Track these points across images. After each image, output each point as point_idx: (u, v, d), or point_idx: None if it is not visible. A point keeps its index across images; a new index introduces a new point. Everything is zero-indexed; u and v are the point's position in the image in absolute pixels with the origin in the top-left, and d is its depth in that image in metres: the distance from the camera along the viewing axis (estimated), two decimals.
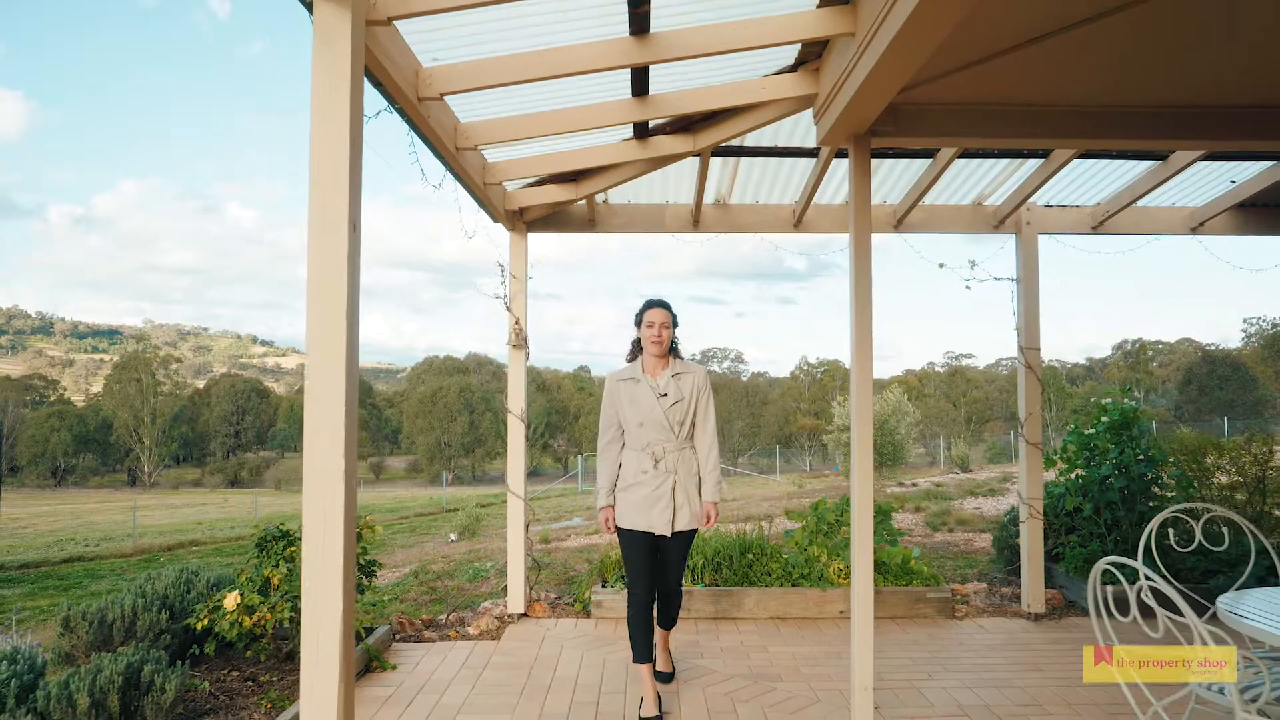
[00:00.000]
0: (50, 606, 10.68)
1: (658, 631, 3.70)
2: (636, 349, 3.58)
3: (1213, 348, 63.36)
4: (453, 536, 11.42)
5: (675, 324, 3.54)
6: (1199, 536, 2.74)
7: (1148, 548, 2.67)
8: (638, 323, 3.54)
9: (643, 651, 3.45)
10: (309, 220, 2.04)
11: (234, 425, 72.15)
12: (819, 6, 2.91)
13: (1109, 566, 1.95)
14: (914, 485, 14.17)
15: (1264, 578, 4.92)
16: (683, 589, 3.71)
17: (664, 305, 3.52)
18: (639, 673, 3.53)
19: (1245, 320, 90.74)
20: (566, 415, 61.46)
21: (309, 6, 2.07)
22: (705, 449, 3.50)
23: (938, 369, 77.94)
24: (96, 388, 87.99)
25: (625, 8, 2.69)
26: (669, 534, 3.38)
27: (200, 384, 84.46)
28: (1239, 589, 2.65)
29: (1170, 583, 1.89)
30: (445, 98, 2.99)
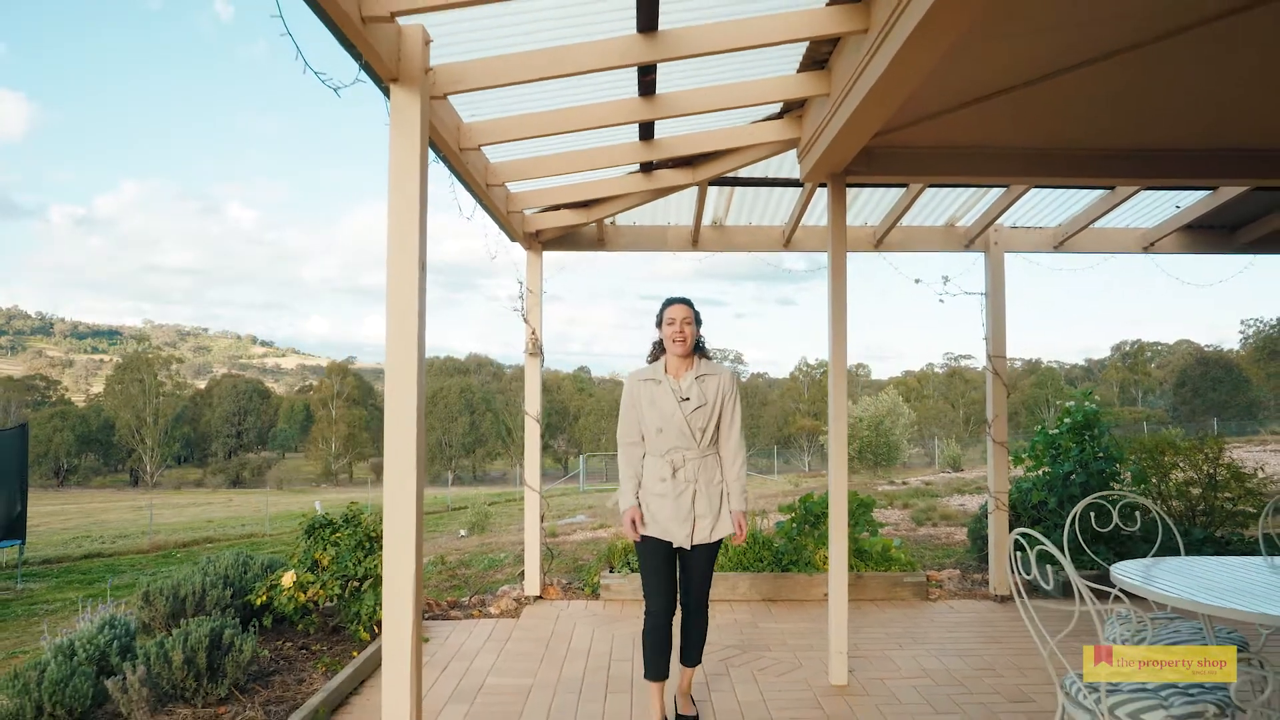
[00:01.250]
0: (78, 598, 11.17)
1: (681, 670, 3.41)
2: (659, 350, 3.34)
3: (1211, 349, 63.91)
4: (463, 532, 11.94)
5: (699, 321, 3.29)
6: (1115, 518, 3.27)
7: (1073, 528, 3.20)
8: (658, 322, 3.31)
9: (654, 669, 3.25)
10: (388, 259, 2.57)
11: (235, 426, 72.63)
12: (799, 71, 3.45)
13: (1018, 537, 2.47)
14: (904, 484, 14.71)
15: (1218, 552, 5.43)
16: (709, 616, 3.36)
17: (685, 302, 3.28)
18: (648, 690, 3.38)
19: (1243, 322, 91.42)
20: (566, 416, 62.02)
21: (386, 92, 2.60)
22: (731, 456, 3.25)
23: (937, 370, 78.46)
24: (97, 388, 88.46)
25: (635, 76, 3.22)
26: (688, 547, 3.16)
27: (201, 384, 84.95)
28: (1153, 556, 3.18)
29: (1089, 556, 2.40)
30: (481, 148, 3.52)
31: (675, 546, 3.19)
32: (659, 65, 3.17)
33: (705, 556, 3.22)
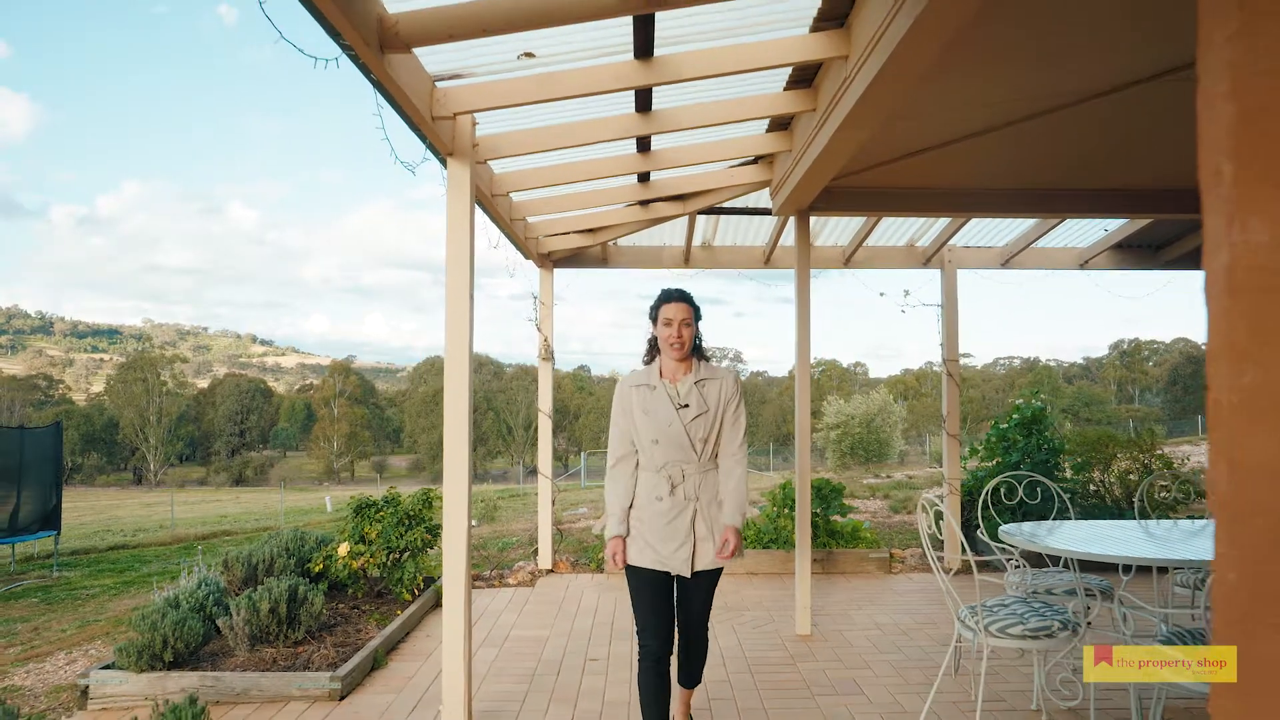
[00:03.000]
0: (114, 584, 11.96)
1: (678, 690, 3.09)
2: (653, 349, 2.99)
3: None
4: (474, 522, 12.78)
5: (698, 319, 2.92)
6: (1020, 494, 4.08)
7: (985, 502, 4.01)
8: (653, 318, 2.93)
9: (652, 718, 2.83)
10: (447, 289, 3.35)
11: (238, 425, 73.32)
12: (767, 131, 4.24)
13: (923, 503, 3.27)
14: (888, 477, 15.53)
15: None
16: (709, 637, 3.02)
17: (684, 298, 2.90)
18: None
19: None
20: (566, 415, 62.84)
21: (444, 163, 3.38)
22: (730, 465, 2.87)
23: (935, 369, 79.02)
24: (97, 387, 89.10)
25: (634, 143, 4.02)
26: (688, 574, 2.80)
27: (203, 384, 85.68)
28: (1054, 519, 3.97)
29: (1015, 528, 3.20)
30: (510, 194, 4.31)
31: (674, 574, 2.85)
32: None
33: (707, 584, 2.87)
